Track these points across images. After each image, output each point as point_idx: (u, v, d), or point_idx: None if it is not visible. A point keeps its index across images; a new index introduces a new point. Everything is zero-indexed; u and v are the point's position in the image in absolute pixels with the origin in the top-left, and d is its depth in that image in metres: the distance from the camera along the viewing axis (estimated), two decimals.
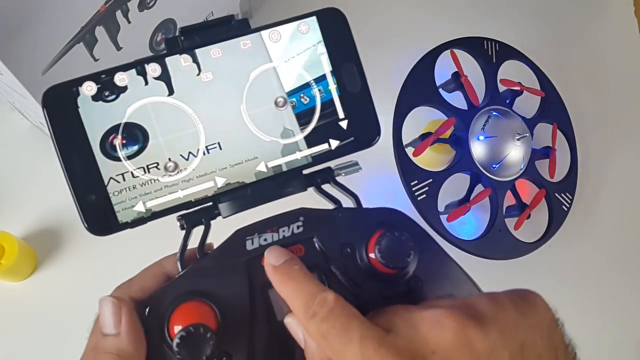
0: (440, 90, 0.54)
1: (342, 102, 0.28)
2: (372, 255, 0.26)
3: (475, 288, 0.28)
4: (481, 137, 0.52)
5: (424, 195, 0.50)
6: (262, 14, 0.64)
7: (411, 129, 0.53)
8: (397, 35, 0.66)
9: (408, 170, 0.50)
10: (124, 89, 0.26)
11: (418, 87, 0.52)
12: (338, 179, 0.29)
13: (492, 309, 0.24)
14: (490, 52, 0.56)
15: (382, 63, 0.63)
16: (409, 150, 0.52)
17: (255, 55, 0.27)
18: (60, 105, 0.26)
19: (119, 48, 0.46)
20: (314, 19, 0.28)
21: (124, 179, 0.25)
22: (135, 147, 0.26)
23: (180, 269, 0.27)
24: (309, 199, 0.29)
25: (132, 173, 0.26)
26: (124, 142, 0.25)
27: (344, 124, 0.28)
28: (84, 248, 0.53)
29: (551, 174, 0.58)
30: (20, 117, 0.55)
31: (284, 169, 0.28)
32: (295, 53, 0.27)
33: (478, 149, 0.52)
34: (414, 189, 0.50)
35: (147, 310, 0.25)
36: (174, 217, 0.27)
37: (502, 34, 0.58)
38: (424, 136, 0.52)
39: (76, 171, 0.25)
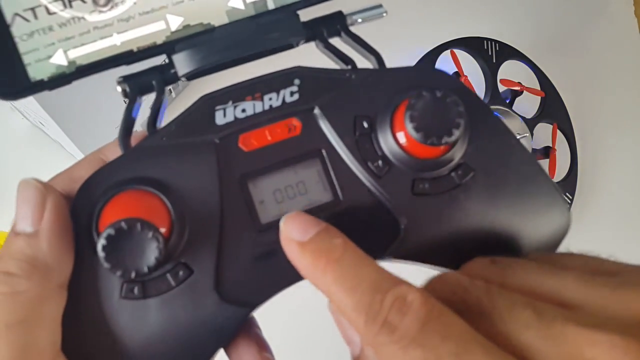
0: None
1: None
2: (399, 131, 0.18)
3: (549, 183, 0.20)
4: None
5: None
6: None
7: None
8: (397, 35, 0.65)
9: None
10: None
11: None
12: (352, 28, 0.20)
13: None
14: (490, 52, 0.56)
15: None
16: None
17: None
18: None
19: None
20: None
21: (36, 16, 0.18)
22: None
23: (121, 152, 0.19)
24: (308, 61, 0.21)
25: (46, 7, 0.18)
26: None
27: None
28: None
29: (551, 174, 0.58)
30: (20, 117, 0.55)
31: (271, 5, 0.19)
32: None
33: None
34: None
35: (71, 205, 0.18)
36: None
37: (502, 34, 0.58)
38: None
39: None
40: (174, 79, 0.19)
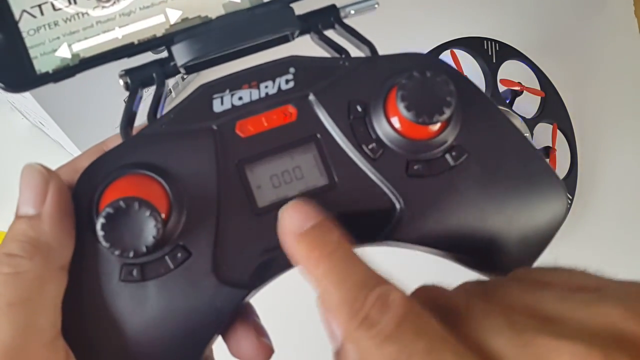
0: None
1: None
2: (392, 113, 0.18)
3: (544, 165, 0.20)
4: None
5: None
6: None
7: None
8: (397, 35, 0.65)
9: None
10: None
11: None
12: (346, 20, 0.21)
13: None
14: (490, 52, 0.56)
15: None
16: None
17: None
18: None
19: None
20: None
21: (42, 13, 0.19)
22: None
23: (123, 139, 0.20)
24: (307, 51, 0.21)
25: (52, 4, 0.19)
26: None
27: None
28: None
29: None
30: (20, 117, 0.55)
31: None
32: None
33: None
34: None
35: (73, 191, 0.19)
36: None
37: (502, 34, 0.58)
38: None
39: None
40: (174, 71, 0.20)
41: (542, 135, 0.58)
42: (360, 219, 0.19)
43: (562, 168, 0.59)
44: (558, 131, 0.59)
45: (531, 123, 0.56)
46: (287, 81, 0.19)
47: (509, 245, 0.20)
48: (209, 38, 0.19)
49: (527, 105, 0.58)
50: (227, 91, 0.19)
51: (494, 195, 0.19)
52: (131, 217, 0.16)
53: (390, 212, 0.19)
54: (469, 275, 0.24)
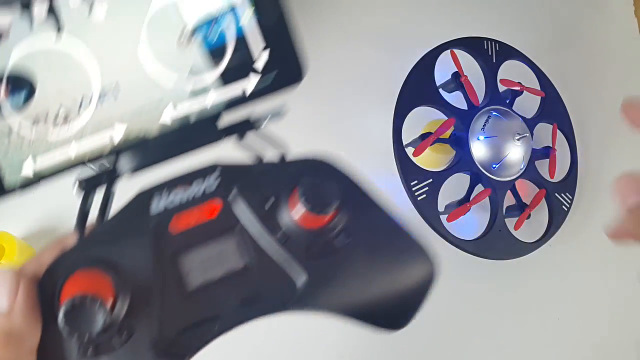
0: (440, 90, 0.54)
1: (259, 34, 0.24)
2: (294, 208, 0.23)
3: (413, 240, 0.25)
4: (481, 137, 0.52)
5: (424, 196, 0.50)
6: None
7: (411, 129, 0.53)
8: (397, 35, 0.66)
9: (408, 170, 0.50)
10: (6, 34, 0.22)
11: (418, 87, 0.52)
12: (261, 129, 0.25)
13: None
14: (490, 52, 0.56)
15: (382, 63, 0.63)
16: (409, 150, 0.52)
17: None
18: None
19: None
20: None
21: (9, 135, 0.23)
22: (21, 98, 0.23)
23: (77, 239, 0.24)
24: (231, 156, 0.25)
25: (18, 128, 0.23)
26: (9, 92, 0.22)
27: (261, 59, 0.24)
28: None
29: (551, 174, 0.58)
30: None
31: (193, 116, 0.24)
32: None
33: (478, 149, 0.52)
34: (414, 189, 0.50)
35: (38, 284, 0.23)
36: None
37: (502, 34, 0.58)
38: (424, 136, 0.52)
39: None
40: (118, 177, 0.24)
41: (542, 135, 0.58)
42: (273, 292, 0.23)
43: (562, 168, 0.59)
44: (558, 131, 0.59)
45: (531, 123, 0.56)
46: (211, 183, 0.23)
47: (392, 306, 0.24)
48: (147, 153, 0.24)
49: (527, 105, 0.58)
50: (162, 194, 0.23)
51: (375, 267, 0.24)
52: (84, 309, 0.20)
53: (295, 286, 0.23)
54: None
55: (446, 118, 0.53)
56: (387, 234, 0.24)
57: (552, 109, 0.60)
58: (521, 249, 0.55)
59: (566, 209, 0.58)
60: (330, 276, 0.23)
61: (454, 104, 0.53)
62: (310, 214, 0.22)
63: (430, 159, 0.56)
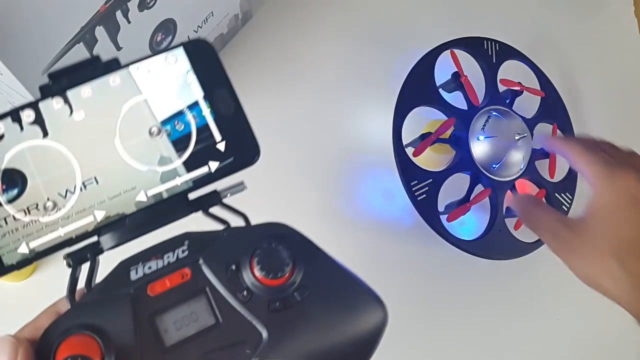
0: (440, 90, 0.54)
1: (217, 125, 0.29)
2: (254, 270, 0.27)
3: (364, 288, 0.28)
4: (481, 137, 0.52)
5: (424, 196, 0.50)
6: (262, 14, 0.64)
7: (411, 129, 0.53)
8: (397, 35, 0.66)
9: (408, 171, 0.50)
10: (0, 137, 0.27)
11: (418, 87, 0.52)
12: (225, 200, 0.29)
13: None
14: (490, 52, 0.56)
15: (382, 63, 0.63)
16: (409, 151, 0.52)
17: (125, 90, 0.28)
18: None
19: (118, 48, 0.46)
20: (180, 49, 0.29)
21: (6, 223, 0.27)
22: (15, 191, 0.27)
23: (69, 306, 0.27)
24: (201, 224, 0.29)
25: (13, 217, 0.27)
26: (4, 187, 0.27)
27: (221, 146, 0.28)
28: None
29: (551, 174, 0.58)
30: None
31: (165, 196, 0.28)
32: (165, 83, 0.28)
33: (478, 149, 0.52)
34: (414, 189, 0.50)
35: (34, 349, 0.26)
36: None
37: (502, 34, 0.58)
38: (424, 136, 0.52)
39: None
40: (102, 251, 0.28)
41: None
42: (238, 345, 0.26)
43: (562, 168, 0.59)
44: (558, 131, 0.59)
45: (531, 123, 0.56)
46: (183, 251, 0.28)
47: (348, 352, 0.27)
48: (125, 229, 0.28)
49: (527, 105, 0.58)
50: (140, 263, 0.27)
51: (332, 316, 0.27)
52: None
53: (259, 339, 0.26)
54: None
55: (446, 118, 0.53)
56: (341, 284, 0.28)
57: (552, 109, 0.60)
58: (521, 249, 0.55)
59: (566, 209, 0.58)
60: (291, 327, 0.27)
61: (454, 104, 0.53)
62: (266, 277, 0.26)
63: (430, 159, 0.56)
